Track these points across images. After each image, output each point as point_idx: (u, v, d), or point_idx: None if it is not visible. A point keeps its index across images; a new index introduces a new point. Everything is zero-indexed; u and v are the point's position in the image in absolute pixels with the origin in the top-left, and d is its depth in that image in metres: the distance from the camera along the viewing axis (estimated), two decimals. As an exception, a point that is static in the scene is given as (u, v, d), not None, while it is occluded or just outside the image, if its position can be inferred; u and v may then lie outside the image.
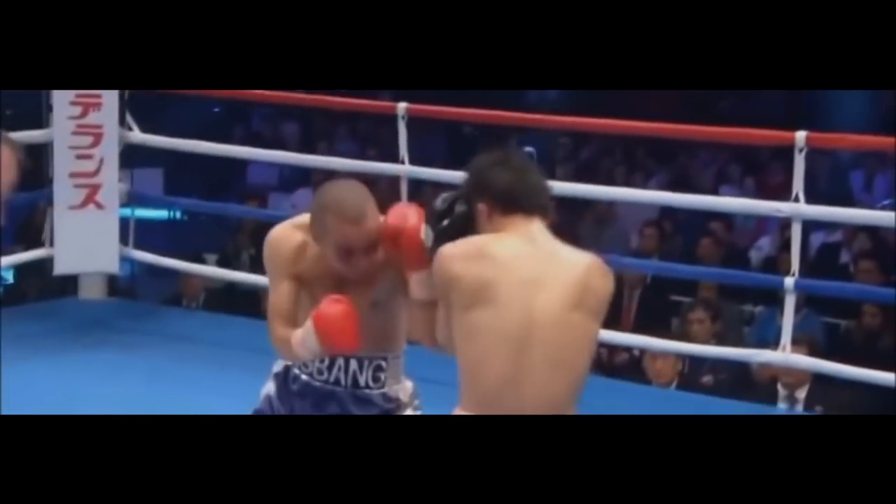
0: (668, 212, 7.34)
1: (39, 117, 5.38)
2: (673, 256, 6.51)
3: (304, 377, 2.58)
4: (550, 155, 9.89)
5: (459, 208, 2.34)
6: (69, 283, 5.72)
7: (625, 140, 9.23)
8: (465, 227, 2.30)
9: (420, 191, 7.23)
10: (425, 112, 5.21)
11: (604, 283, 2.26)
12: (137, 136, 5.43)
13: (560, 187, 6.16)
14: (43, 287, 6.09)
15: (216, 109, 10.60)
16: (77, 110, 5.25)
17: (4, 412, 4.15)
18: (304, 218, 2.52)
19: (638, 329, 5.34)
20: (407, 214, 2.43)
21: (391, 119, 5.11)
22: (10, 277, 7.05)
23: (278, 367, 2.64)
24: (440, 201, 2.39)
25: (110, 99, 5.29)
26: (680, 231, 7.41)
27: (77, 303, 5.65)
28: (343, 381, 2.54)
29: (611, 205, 7.38)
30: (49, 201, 5.39)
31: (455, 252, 2.23)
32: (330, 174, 7.88)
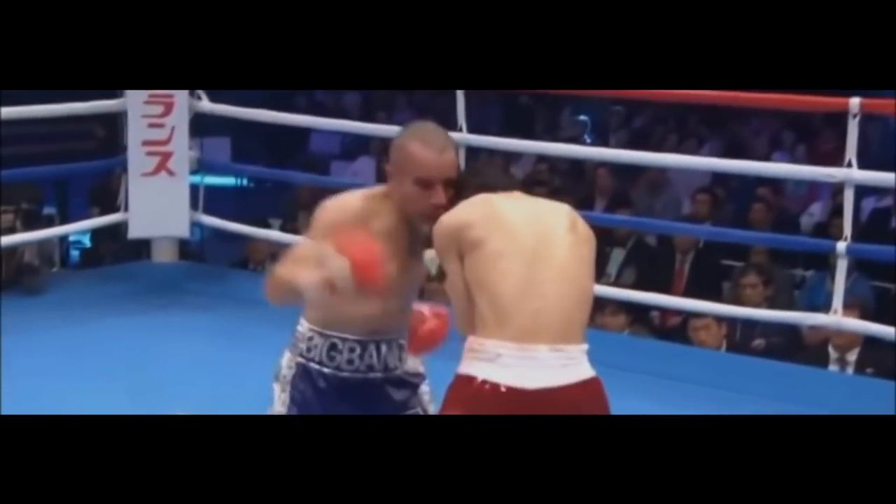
0: (720, 178, 7.26)
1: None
2: (725, 222, 6.45)
3: (326, 371, 2.43)
4: (604, 123, 9.83)
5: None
6: (142, 247, 5.81)
7: (677, 108, 9.13)
8: None
9: (476, 158, 7.23)
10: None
11: (584, 222, 2.34)
12: (206, 105, 5.47)
13: (613, 155, 6.18)
14: (118, 251, 6.18)
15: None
16: (149, 81, 5.30)
17: (86, 368, 4.26)
18: (364, 191, 2.45)
19: (690, 293, 5.30)
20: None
21: (449, 89, 5.10)
22: (87, 241, 7.17)
23: (288, 368, 2.47)
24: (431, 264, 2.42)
25: (181, 97, 5.35)
26: (732, 197, 7.33)
27: (150, 266, 5.73)
28: (376, 366, 2.44)
29: (663, 172, 7.32)
30: (124, 168, 5.47)
31: (453, 210, 2.29)
32: (389, 143, 7.90)
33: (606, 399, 2.28)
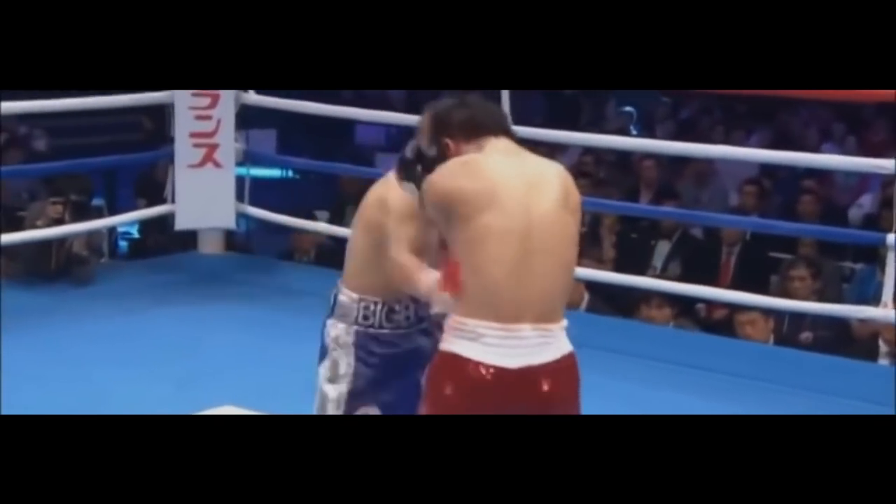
0: (767, 169, 7.18)
1: (161, 80, 5.49)
2: (772, 214, 6.38)
3: (384, 331, 2.60)
4: (650, 114, 9.76)
5: (429, 152, 2.36)
6: (189, 239, 5.86)
7: (725, 98, 9.04)
8: (438, 165, 2.33)
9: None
10: (528, 72, 5.15)
11: (575, 187, 2.34)
12: (252, 97, 5.51)
13: (660, 146, 6.13)
14: (166, 242, 6.24)
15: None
16: (196, 73, 5.35)
17: (133, 358, 4.31)
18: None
19: (736, 286, 5.25)
20: None
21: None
22: (135, 232, 7.24)
23: (346, 335, 2.61)
24: (408, 150, 2.42)
25: (227, 97, 5.39)
26: (779, 189, 7.25)
27: (196, 257, 5.78)
28: (411, 318, 2.61)
29: (710, 163, 7.25)
30: (170, 160, 5.51)
31: (446, 172, 2.28)
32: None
33: (578, 373, 2.31)
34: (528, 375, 2.22)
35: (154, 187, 6.25)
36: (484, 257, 2.21)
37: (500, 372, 2.21)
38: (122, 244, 7.24)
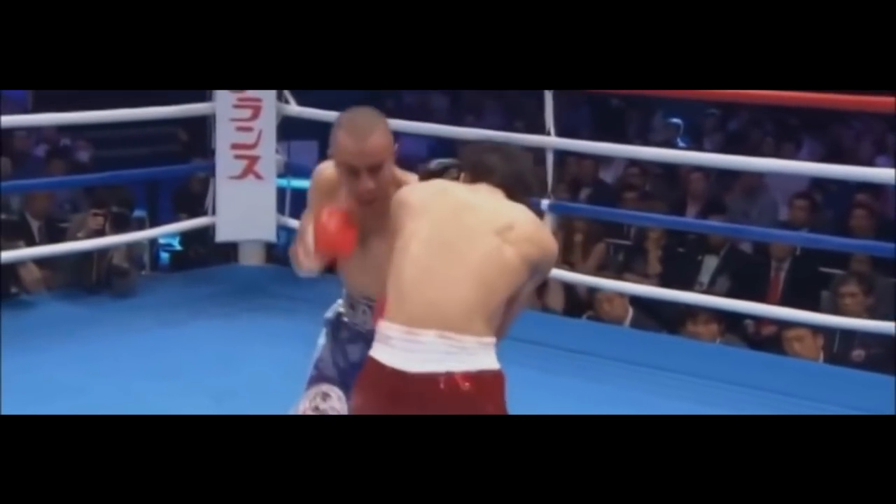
0: (818, 183, 7.12)
1: (203, 91, 5.55)
2: (823, 229, 6.32)
3: (354, 327, 2.65)
4: (698, 126, 9.71)
5: (451, 174, 2.45)
6: (230, 250, 5.91)
7: (775, 109, 8.97)
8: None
9: (565, 162, 7.20)
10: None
11: (530, 225, 2.34)
12: (294, 109, 5.55)
13: (708, 159, 6.10)
14: (207, 254, 6.30)
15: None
16: (238, 84, 5.40)
17: (172, 370, 4.35)
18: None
19: (786, 302, 5.21)
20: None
21: (538, 92, 5.09)
22: (177, 244, 7.32)
23: (331, 313, 2.74)
24: (435, 163, 2.50)
25: (268, 97, 5.43)
26: (831, 203, 7.18)
27: (237, 269, 5.83)
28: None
29: (759, 176, 7.20)
30: (211, 172, 5.57)
31: (411, 186, 2.43)
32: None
33: (501, 395, 2.29)
34: (428, 381, 2.23)
35: (191, 200, 6.32)
36: (403, 261, 2.29)
37: (399, 374, 2.25)
38: (164, 256, 7.32)
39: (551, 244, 2.40)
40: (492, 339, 2.28)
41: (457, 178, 2.44)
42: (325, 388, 2.66)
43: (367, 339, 2.53)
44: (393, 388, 2.26)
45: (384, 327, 2.29)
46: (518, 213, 2.35)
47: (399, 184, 2.47)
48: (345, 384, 2.63)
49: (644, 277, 5.96)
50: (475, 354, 2.25)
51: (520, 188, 2.42)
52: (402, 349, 2.25)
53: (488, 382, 2.27)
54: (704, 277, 6.05)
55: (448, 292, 2.26)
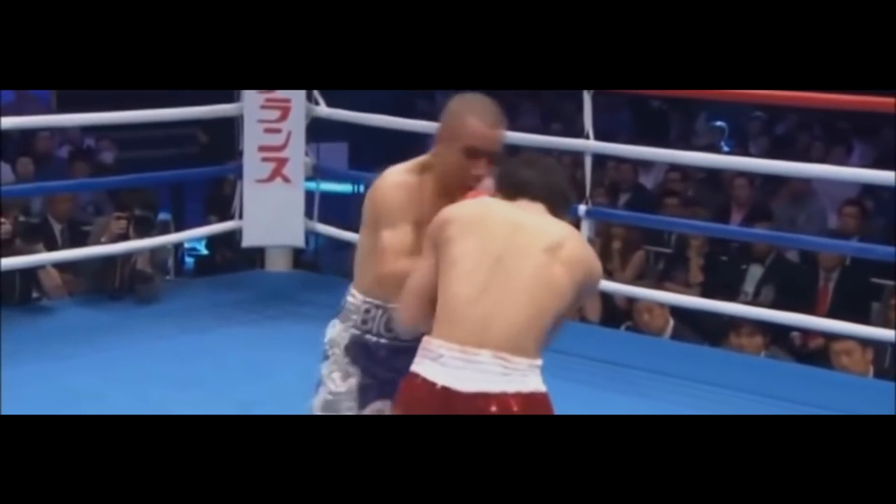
0: (869, 189, 7.05)
1: (231, 91, 5.58)
2: (874, 237, 6.25)
3: (383, 341, 2.60)
4: (743, 129, 9.65)
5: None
6: (257, 255, 5.94)
7: (824, 113, 8.90)
8: None
9: (604, 166, 7.18)
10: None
11: (583, 249, 2.40)
12: (324, 110, 5.56)
13: (753, 164, 6.06)
14: (233, 259, 6.33)
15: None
16: (266, 85, 5.42)
17: (196, 378, 4.37)
18: (411, 163, 2.63)
19: (834, 314, 5.16)
20: None
21: (576, 93, 5.08)
22: (202, 248, 7.36)
23: (346, 337, 2.64)
24: None
25: (297, 97, 5.45)
26: (882, 210, 7.11)
27: (264, 275, 5.85)
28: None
29: (807, 182, 7.14)
30: (239, 174, 5.59)
31: (453, 206, 2.43)
32: (512, 149, 7.91)
33: (545, 413, 2.32)
34: (480, 402, 2.25)
35: (222, 203, 6.34)
36: (454, 278, 2.31)
37: (451, 393, 2.26)
38: (189, 261, 7.36)
39: (598, 265, 2.43)
40: (540, 362, 2.31)
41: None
42: (380, 404, 2.61)
43: (389, 349, 2.58)
44: (441, 406, 2.27)
45: (435, 345, 2.30)
46: (566, 232, 2.39)
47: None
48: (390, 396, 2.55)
49: (685, 287, 5.92)
50: (526, 376, 2.29)
51: (560, 202, 2.45)
52: (455, 367, 2.27)
53: (538, 405, 2.30)
54: (749, 287, 6.00)
55: (501, 312, 2.28)
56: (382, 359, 2.61)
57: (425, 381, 2.29)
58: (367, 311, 2.62)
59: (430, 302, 2.36)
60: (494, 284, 2.29)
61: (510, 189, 2.43)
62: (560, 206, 2.45)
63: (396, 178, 2.60)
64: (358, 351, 2.64)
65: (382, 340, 2.62)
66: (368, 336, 2.63)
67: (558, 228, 2.39)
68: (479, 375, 2.26)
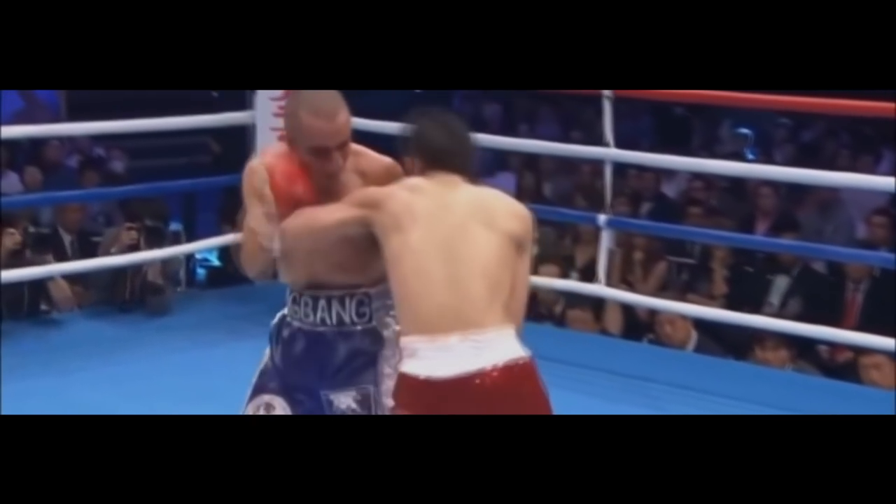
0: (899, 199, 7.02)
1: (243, 99, 5.60)
2: (904, 248, 6.23)
3: (295, 323, 2.76)
4: (768, 137, 9.63)
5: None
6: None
7: (851, 120, 8.87)
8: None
9: (625, 175, 7.17)
10: (633, 92, 5.14)
11: (505, 205, 2.55)
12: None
13: (779, 172, 6.04)
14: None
15: (417, 91, 10.78)
16: (279, 91, 5.44)
17: (205, 392, 4.37)
18: (275, 147, 2.79)
19: (863, 327, 5.13)
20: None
21: (596, 99, 5.08)
22: (215, 259, 7.37)
23: (275, 320, 2.85)
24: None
25: None
26: (913, 220, 7.08)
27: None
28: (328, 321, 2.71)
29: (835, 191, 7.12)
30: (250, 184, 5.59)
31: (383, 190, 2.57)
32: (531, 157, 7.93)
33: (536, 380, 2.45)
34: (462, 384, 2.39)
35: (236, 212, 6.34)
36: (408, 274, 2.45)
37: (433, 383, 2.40)
38: (201, 272, 7.37)
39: (527, 214, 2.56)
40: (511, 327, 2.45)
41: (409, 166, 2.60)
42: (268, 398, 2.79)
43: (308, 334, 2.72)
44: (430, 397, 2.41)
45: (407, 342, 2.45)
46: (490, 198, 2.54)
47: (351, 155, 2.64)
48: (287, 390, 2.75)
49: (709, 299, 5.91)
50: (500, 345, 2.42)
51: (471, 166, 2.59)
52: (429, 358, 2.41)
53: (520, 371, 2.43)
54: (774, 299, 5.98)
55: (458, 294, 2.43)
56: (285, 339, 2.77)
57: (410, 378, 2.43)
58: (287, 296, 2.79)
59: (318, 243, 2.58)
60: (444, 270, 2.43)
61: (426, 159, 2.55)
62: (470, 170, 2.59)
63: (252, 162, 2.76)
64: (277, 330, 2.82)
65: (294, 322, 2.76)
66: (286, 319, 2.79)
67: (483, 197, 2.53)
68: (454, 360, 2.39)
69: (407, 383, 2.45)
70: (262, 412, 2.78)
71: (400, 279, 2.47)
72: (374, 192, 2.55)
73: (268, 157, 2.74)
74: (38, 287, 5.29)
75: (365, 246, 2.62)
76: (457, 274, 2.43)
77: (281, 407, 2.75)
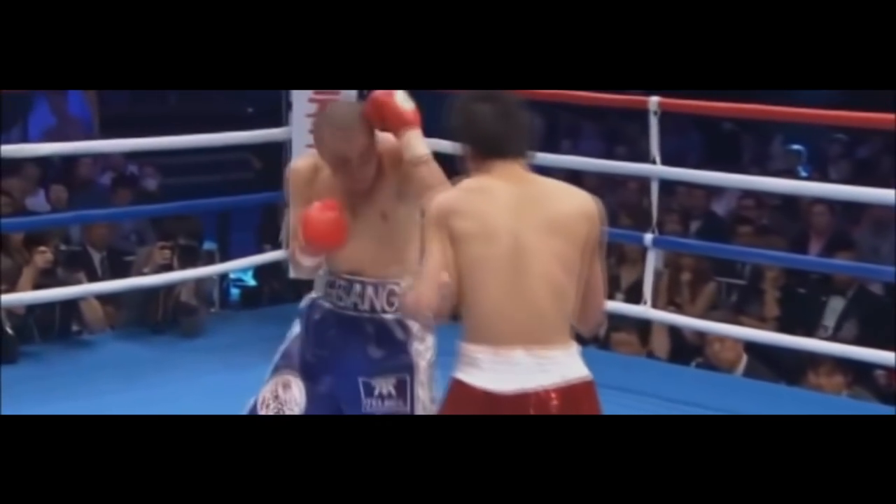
0: (959, 217, 6.94)
1: (279, 115, 5.64)
2: (965, 268, 6.15)
3: (326, 305, 2.94)
4: (822, 153, 9.56)
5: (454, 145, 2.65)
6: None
7: (909, 136, 8.79)
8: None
9: (673, 192, 7.14)
10: (679, 107, 5.13)
11: (572, 206, 2.49)
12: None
13: (833, 190, 5.99)
14: (280, 290, 6.36)
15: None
16: (315, 108, 5.47)
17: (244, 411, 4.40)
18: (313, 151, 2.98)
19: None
20: (382, 93, 2.82)
21: (642, 114, 5.07)
22: (249, 279, 7.41)
23: (304, 302, 3.02)
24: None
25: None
26: (974, 239, 7.00)
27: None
28: (360, 305, 2.91)
29: (892, 209, 7.04)
30: (286, 201, 5.61)
31: (447, 192, 2.57)
32: (574, 174, 7.90)
33: (594, 403, 2.47)
34: (522, 400, 2.41)
35: (275, 232, 6.38)
36: (475, 284, 2.45)
37: (492, 396, 2.41)
38: (234, 292, 7.41)
39: (594, 209, 2.51)
40: (575, 347, 2.47)
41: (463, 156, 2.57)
42: (287, 377, 2.94)
43: (340, 317, 2.89)
44: (485, 409, 2.42)
45: (469, 349, 2.46)
46: (557, 196, 2.49)
47: (386, 151, 2.83)
48: (309, 371, 2.93)
49: (760, 321, 5.86)
50: (563, 365, 2.44)
51: (530, 148, 2.55)
52: (492, 370, 2.42)
53: (579, 392, 2.45)
54: (829, 322, 5.93)
55: (524, 307, 2.43)
56: (317, 321, 2.94)
57: (467, 387, 2.44)
58: (320, 277, 2.96)
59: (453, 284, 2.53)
60: (512, 282, 2.42)
61: (483, 149, 2.51)
62: (530, 151, 2.55)
63: (295, 162, 3.03)
64: (309, 311, 2.98)
65: (325, 304, 2.94)
66: (318, 300, 2.97)
67: (549, 196, 2.49)
68: (516, 375, 2.41)
69: (464, 391, 2.45)
70: (280, 389, 2.94)
71: (468, 287, 2.45)
72: (442, 205, 2.49)
73: (310, 158, 2.95)
74: (70, 307, 5.34)
75: (404, 239, 2.85)
76: (523, 286, 2.42)
77: (297, 387, 2.91)
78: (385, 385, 2.89)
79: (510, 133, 2.50)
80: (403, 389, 2.89)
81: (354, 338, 2.92)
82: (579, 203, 2.50)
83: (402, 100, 2.82)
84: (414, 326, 2.89)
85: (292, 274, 3.10)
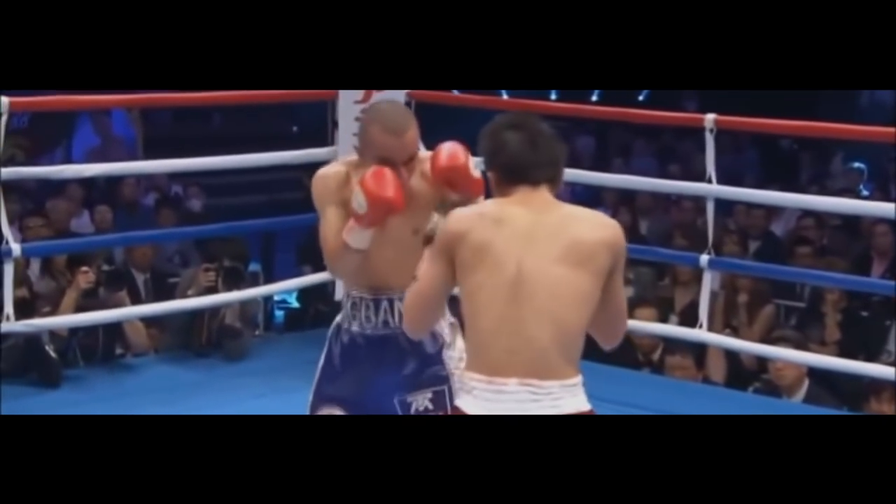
0: None
1: (325, 134, 5.67)
2: None
3: (354, 328, 2.97)
4: (884, 171, 9.47)
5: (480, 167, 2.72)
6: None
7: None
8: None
9: (730, 212, 7.10)
10: (736, 124, 5.11)
11: (594, 235, 2.49)
12: (421, 154, 5.59)
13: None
14: (325, 313, 6.38)
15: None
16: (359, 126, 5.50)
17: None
18: (348, 157, 3.01)
19: None
20: (458, 152, 2.86)
21: (697, 132, 5.05)
22: (293, 301, 7.44)
23: (331, 330, 3.05)
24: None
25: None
26: None
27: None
28: (391, 322, 2.94)
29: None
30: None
31: (464, 212, 2.58)
32: (627, 193, 7.89)
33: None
34: None
35: (317, 253, 6.41)
36: (474, 311, 2.48)
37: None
38: (279, 314, 7.44)
39: (616, 237, 2.51)
40: (576, 379, 2.47)
41: (488, 180, 2.61)
42: (327, 410, 2.99)
43: (370, 339, 2.94)
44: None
45: (467, 378, 2.50)
46: (578, 226, 2.49)
47: (424, 168, 2.88)
48: (344, 398, 2.96)
49: (821, 346, 5.80)
50: (560, 399, 2.45)
51: (560, 174, 2.57)
52: (486, 399, 2.45)
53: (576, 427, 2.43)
54: (892, 347, 5.86)
55: (523, 338, 2.44)
56: (345, 346, 2.99)
57: (461, 413, 2.48)
58: (343, 302, 3.01)
59: (436, 309, 2.62)
60: (509, 312, 2.44)
61: (510, 175, 2.52)
62: (560, 177, 2.57)
63: (323, 168, 3.00)
64: (334, 338, 3.03)
65: (352, 328, 2.98)
66: (343, 325, 3.01)
67: (569, 226, 2.49)
68: (505, 405, 2.44)
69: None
70: None
71: (469, 314, 2.49)
72: (453, 230, 2.51)
73: (339, 164, 2.97)
74: (114, 329, 5.39)
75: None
76: (519, 316, 2.43)
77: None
78: (422, 400, 2.93)
79: (535, 160, 2.52)
80: (441, 400, 2.93)
81: (386, 357, 2.95)
82: (601, 231, 2.50)
83: (473, 167, 2.87)
84: (444, 334, 2.94)
85: (336, 274, 3.13)
